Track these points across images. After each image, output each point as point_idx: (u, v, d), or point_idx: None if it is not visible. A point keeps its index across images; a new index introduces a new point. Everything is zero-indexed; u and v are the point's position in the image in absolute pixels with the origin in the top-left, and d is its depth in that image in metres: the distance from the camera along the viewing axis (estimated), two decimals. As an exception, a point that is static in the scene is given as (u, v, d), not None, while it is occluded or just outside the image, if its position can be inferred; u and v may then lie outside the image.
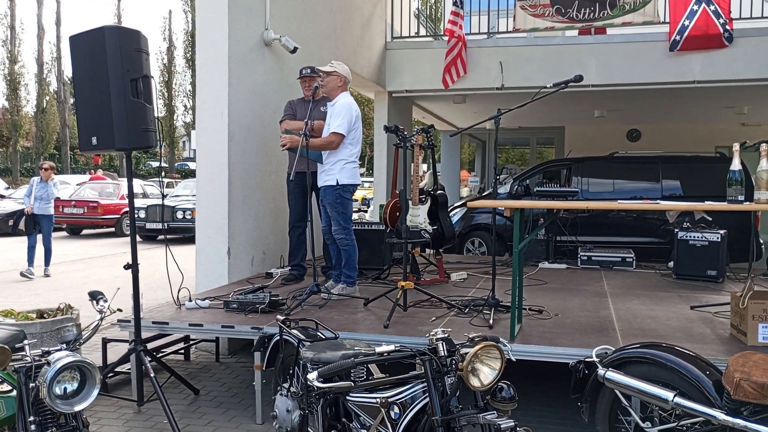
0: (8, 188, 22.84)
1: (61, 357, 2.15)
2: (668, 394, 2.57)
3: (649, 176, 8.15)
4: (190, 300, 4.63)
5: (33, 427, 2.18)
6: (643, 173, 8.22)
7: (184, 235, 12.66)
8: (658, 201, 3.75)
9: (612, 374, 2.77)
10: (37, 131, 33.28)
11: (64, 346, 2.31)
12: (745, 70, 8.10)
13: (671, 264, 6.31)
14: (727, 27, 7.93)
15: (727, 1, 7.93)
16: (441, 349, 2.28)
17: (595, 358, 2.89)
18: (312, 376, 2.26)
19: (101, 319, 2.51)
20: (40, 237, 9.63)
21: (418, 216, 5.60)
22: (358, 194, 22.21)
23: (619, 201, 4.00)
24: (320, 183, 4.93)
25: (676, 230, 6.15)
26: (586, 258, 6.85)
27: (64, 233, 16.47)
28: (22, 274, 9.19)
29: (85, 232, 16.52)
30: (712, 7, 7.90)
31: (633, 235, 7.95)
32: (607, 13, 8.63)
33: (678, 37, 8.00)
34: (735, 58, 8.09)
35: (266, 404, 3.84)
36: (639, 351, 2.84)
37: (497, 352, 2.21)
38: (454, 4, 9.07)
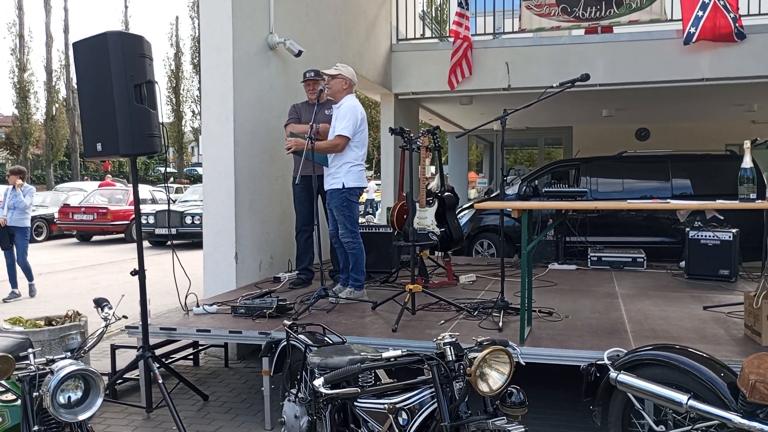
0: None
1: (65, 365, 2.13)
2: (682, 397, 2.52)
3: (658, 175, 8.07)
4: (198, 305, 4.61)
5: (38, 436, 2.16)
6: (653, 172, 8.15)
7: (193, 240, 12.67)
8: (668, 200, 3.70)
9: (624, 377, 2.72)
10: (47, 138, 33.49)
11: (69, 354, 2.29)
12: (755, 67, 8.01)
13: (683, 264, 6.23)
14: (737, 23, 7.83)
15: (735, -3, 7.85)
16: (449, 353, 2.25)
17: (606, 361, 2.85)
18: (318, 382, 2.22)
19: (106, 326, 2.49)
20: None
21: (426, 218, 5.56)
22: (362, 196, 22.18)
23: (628, 201, 3.95)
24: (326, 186, 4.91)
25: (688, 229, 6.08)
26: (596, 258, 6.78)
27: (74, 240, 16.56)
28: (5, 301, 8.00)
29: (95, 238, 16.59)
30: (722, 2, 7.80)
31: (643, 235, 7.87)
32: (613, 11, 8.57)
33: (693, 29, 7.86)
34: (744, 55, 8.00)
35: (275, 410, 3.81)
36: (651, 353, 2.79)
37: (506, 357, 2.17)
38: (459, 5, 9.04)
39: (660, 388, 2.60)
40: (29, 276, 8.39)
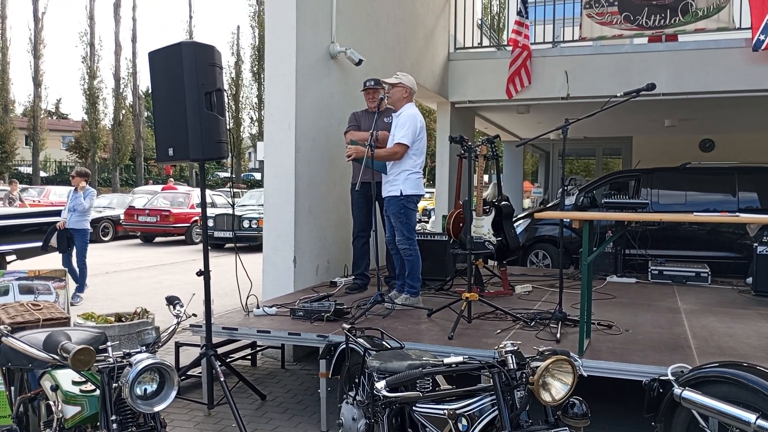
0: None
1: (143, 359, 2.24)
2: (750, 416, 2.45)
3: (724, 188, 7.79)
4: (258, 307, 4.74)
5: (114, 426, 2.28)
6: (718, 185, 7.88)
7: (250, 243, 12.98)
8: (737, 214, 3.59)
9: (689, 393, 2.66)
10: (114, 143, 34.97)
11: (144, 348, 2.41)
12: (831, 76, 7.66)
13: (749, 280, 6.01)
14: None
15: (810, 3, 7.53)
16: (510, 361, 2.26)
17: (670, 377, 2.79)
18: (380, 385, 2.27)
19: (178, 323, 2.61)
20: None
21: (482, 227, 5.55)
22: (419, 205, 22.13)
23: (695, 213, 3.85)
24: (384, 193, 4.97)
25: (756, 245, 5.86)
26: (657, 272, 6.61)
27: (138, 240, 17.20)
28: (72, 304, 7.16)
29: (157, 239, 17.20)
30: (795, 9, 7.50)
31: (707, 249, 7.61)
32: (678, 19, 8.35)
33: (763, 37, 7.59)
34: (818, 64, 7.67)
35: (330, 412, 3.89)
36: (718, 370, 2.72)
37: (569, 367, 2.17)
38: (518, 13, 8.99)
39: (727, 406, 2.53)
40: (79, 280, 8.16)
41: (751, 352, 3.73)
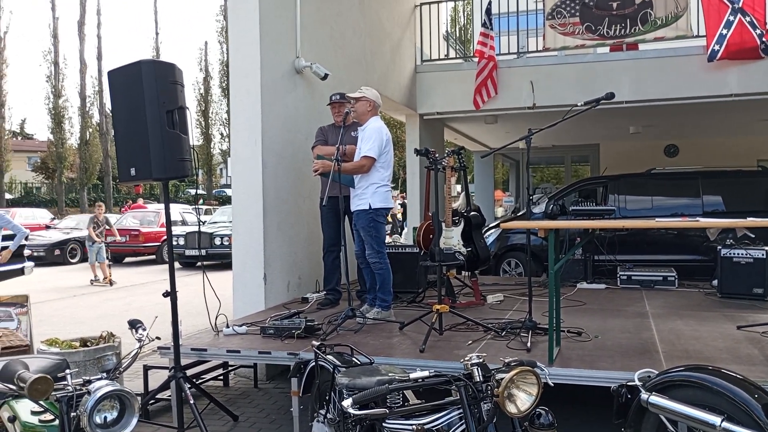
0: (54, 219, 23.56)
1: (102, 386, 2.19)
2: (716, 419, 2.48)
3: (689, 192, 7.96)
4: (228, 326, 4.67)
5: (75, 455, 2.21)
6: (683, 189, 8.04)
7: (222, 261, 12.83)
8: (697, 218, 3.66)
9: (656, 399, 2.68)
10: (81, 162, 34.37)
11: (105, 374, 2.35)
12: (785, 82, 7.90)
13: (715, 282, 6.12)
14: (764, 38, 7.76)
15: (762, 12, 7.78)
16: (476, 374, 2.25)
17: (637, 382, 2.81)
18: (347, 402, 2.24)
19: (140, 347, 2.56)
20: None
21: (452, 238, 5.57)
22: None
23: (657, 219, 3.92)
24: (353, 207, 4.96)
25: (720, 247, 5.98)
26: (625, 277, 6.70)
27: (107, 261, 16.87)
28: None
29: (127, 259, 16.91)
30: (748, 18, 7.75)
31: (674, 253, 7.75)
32: (638, 28, 8.55)
33: (717, 47, 7.84)
34: (773, 70, 7.90)
35: (304, 430, 3.83)
36: (684, 374, 2.75)
37: (534, 378, 2.17)
38: (483, 25, 9.12)
39: (693, 409, 2.56)
40: None
41: (717, 354, 3.78)
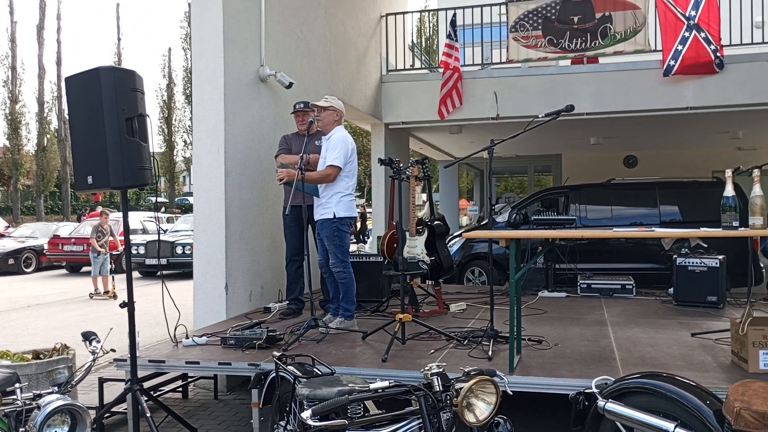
0: (8, 227, 22.87)
1: (52, 401, 2.13)
2: (669, 425, 2.53)
3: (646, 202, 8.16)
4: (187, 337, 4.59)
5: (24, 472, 2.14)
6: (641, 199, 8.24)
7: (184, 270, 12.63)
8: (653, 228, 3.75)
9: (612, 405, 2.73)
10: (38, 169, 33.45)
11: (56, 388, 2.29)
12: (737, 96, 8.18)
13: (671, 290, 6.28)
14: (718, 54, 8.03)
15: (716, 28, 8.05)
16: (436, 384, 2.26)
17: (594, 390, 2.86)
18: (306, 414, 2.23)
19: (93, 360, 2.49)
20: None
21: (416, 247, 5.59)
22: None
23: (615, 229, 4.00)
24: (317, 216, 4.94)
25: (675, 256, 6.14)
26: (585, 286, 6.82)
27: (63, 271, 16.44)
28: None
29: (84, 269, 16.48)
30: (703, 34, 8.02)
31: (632, 261, 7.92)
32: (598, 42, 8.76)
33: (672, 62, 8.10)
34: (726, 84, 8.17)
35: (264, 442, 3.78)
36: (639, 381, 2.81)
37: (492, 387, 2.19)
38: (448, 36, 9.22)
39: (647, 416, 2.61)
40: None
41: (672, 361, 3.87)
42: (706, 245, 6.32)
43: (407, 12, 11.02)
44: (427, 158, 5.71)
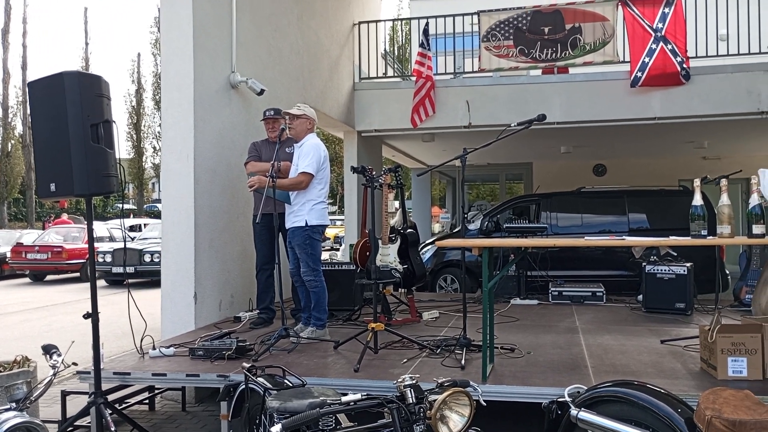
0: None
1: (8, 418, 2.04)
2: (641, 434, 2.54)
3: (616, 210, 8.27)
4: (154, 348, 4.48)
5: (-22, 494, 2.04)
6: (610, 207, 8.35)
7: (152, 278, 12.38)
8: (623, 236, 3.78)
9: (584, 414, 2.73)
10: (2, 175, 32.56)
11: (14, 404, 2.19)
12: (703, 107, 8.36)
13: (640, 297, 6.35)
14: (684, 65, 8.20)
15: (683, 40, 8.23)
16: (409, 396, 2.22)
17: (567, 398, 2.85)
18: (276, 428, 2.16)
19: (54, 374, 2.40)
20: None
21: (389, 255, 5.56)
22: (329, 232, 22.08)
23: (586, 237, 4.03)
24: (288, 224, 4.88)
25: (644, 264, 6.21)
26: (557, 293, 6.86)
27: (27, 279, 16.00)
28: None
29: (49, 278, 16.08)
30: (670, 46, 8.19)
31: (603, 269, 8.01)
32: (568, 53, 8.87)
33: (639, 74, 8.26)
34: (692, 95, 8.35)
35: (233, 456, 3.69)
36: (611, 390, 2.81)
37: (466, 399, 2.16)
38: (421, 45, 9.24)
39: (620, 425, 2.61)
40: None
41: (642, 368, 3.90)
42: (675, 253, 6.42)
43: (380, 20, 11.03)
44: (400, 166, 5.69)
